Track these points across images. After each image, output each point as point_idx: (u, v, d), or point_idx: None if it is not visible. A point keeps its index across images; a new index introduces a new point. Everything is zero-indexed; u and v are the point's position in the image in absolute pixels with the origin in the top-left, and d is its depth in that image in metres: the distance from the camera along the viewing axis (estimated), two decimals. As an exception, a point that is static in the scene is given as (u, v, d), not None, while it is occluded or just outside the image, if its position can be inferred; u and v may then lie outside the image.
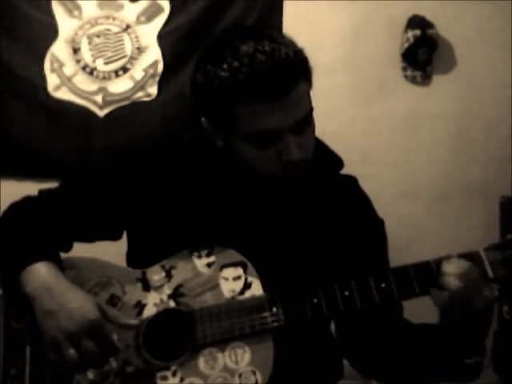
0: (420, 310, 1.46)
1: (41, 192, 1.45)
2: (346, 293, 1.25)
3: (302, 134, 1.29)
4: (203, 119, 1.35)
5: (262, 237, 1.35)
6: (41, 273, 1.28)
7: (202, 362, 1.27)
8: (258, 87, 1.22)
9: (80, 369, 1.27)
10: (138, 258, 1.40)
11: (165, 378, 1.27)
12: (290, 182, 1.32)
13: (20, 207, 1.43)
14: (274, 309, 1.26)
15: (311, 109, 1.31)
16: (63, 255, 1.39)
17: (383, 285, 1.24)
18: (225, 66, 1.24)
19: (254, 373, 1.25)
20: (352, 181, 1.50)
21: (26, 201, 1.44)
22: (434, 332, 1.30)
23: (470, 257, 1.23)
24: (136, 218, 1.41)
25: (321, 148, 1.41)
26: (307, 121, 1.31)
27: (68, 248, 1.44)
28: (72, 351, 1.24)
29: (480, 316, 1.22)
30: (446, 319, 1.25)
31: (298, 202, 1.38)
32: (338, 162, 1.47)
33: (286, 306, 1.26)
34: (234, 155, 1.33)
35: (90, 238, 1.46)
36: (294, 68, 1.25)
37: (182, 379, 1.26)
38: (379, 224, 1.48)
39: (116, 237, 1.47)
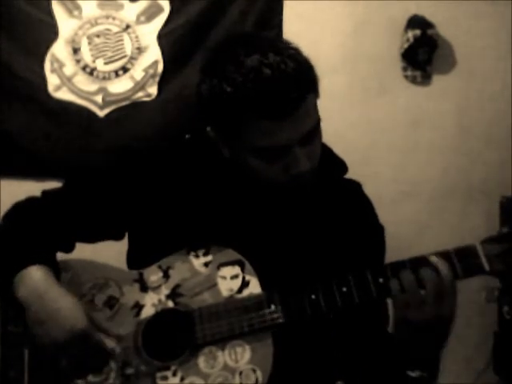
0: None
1: (44, 192, 1.46)
2: (344, 289, 1.25)
3: (310, 144, 1.29)
4: (209, 129, 1.34)
5: (259, 235, 1.35)
6: (33, 278, 1.28)
7: (201, 361, 1.27)
8: (265, 105, 1.20)
9: (74, 376, 1.28)
10: (139, 259, 1.40)
11: (165, 378, 1.27)
12: (295, 192, 1.32)
13: (23, 207, 1.43)
14: (273, 306, 1.27)
15: (319, 120, 1.29)
16: (60, 257, 1.38)
17: (381, 280, 1.24)
18: (230, 81, 1.22)
19: (254, 371, 1.25)
20: (355, 185, 1.50)
21: (30, 201, 1.44)
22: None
23: (466, 250, 1.24)
24: (136, 218, 1.41)
25: (325, 152, 1.40)
26: (315, 131, 1.29)
27: (70, 249, 1.45)
28: (63, 361, 1.25)
29: (426, 326, 1.21)
30: (395, 323, 1.26)
31: (297, 201, 1.38)
32: (341, 166, 1.46)
33: (285, 304, 1.26)
34: (239, 165, 1.32)
35: (92, 239, 1.46)
36: (301, 83, 1.23)
37: (182, 379, 1.27)
38: (379, 230, 1.47)
39: (118, 237, 1.47)
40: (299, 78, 1.22)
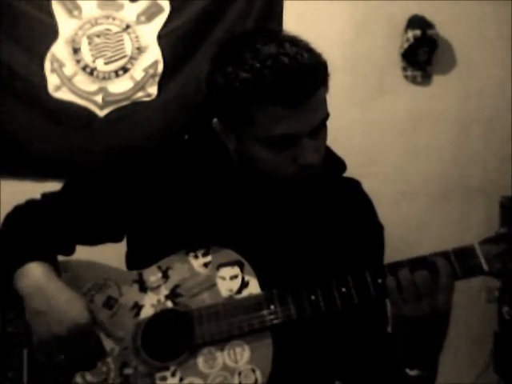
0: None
1: (44, 195, 1.46)
2: (343, 289, 1.25)
3: (318, 138, 1.29)
4: (215, 120, 1.34)
5: (259, 235, 1.35)
6: (35, 272, 1.29)
7: (201, 362, 1.27)
8: (281, 91, 1.20)
9: (68, 371, 1.28)
10: (138, 260, 1.40)
11: (164, 379, 1.27)
12: (301, 185, 1.32)
13: (23, 210, 1.43)
14: (272, 307, 1.27)
15: (328, 114, 1.30)
16: (59, 258, 1.38)
17: (380, 281, 1.24)
18: (246, 67, 1.22)
19: (254, 371, 1.25)
20: (355, 184, 1.50)
21: (30, 204, 1.45)
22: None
23: (465, 251, 1.24)
24: (136, 220, 1.41)
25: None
26: (323, 125, 1.30)
27: (70, 252, 1.45)
28: (60, 355, 1.25)
29: (423, 322, 1.22)
30: (393, 321, 1.27)
31: (297, 201, 1.38)
32: (340, 165, 1.46)
33: (284, 304, 1.26)
34: (244, 157, 1.32)
35: (92, 241, 1.46)
36: (317, 73, 1.24)
37: (181, 379, 1.27)
38: (378, 229, 1.47)
39: (118, 239, 1.48)
40: (314, 68, 1.24)
